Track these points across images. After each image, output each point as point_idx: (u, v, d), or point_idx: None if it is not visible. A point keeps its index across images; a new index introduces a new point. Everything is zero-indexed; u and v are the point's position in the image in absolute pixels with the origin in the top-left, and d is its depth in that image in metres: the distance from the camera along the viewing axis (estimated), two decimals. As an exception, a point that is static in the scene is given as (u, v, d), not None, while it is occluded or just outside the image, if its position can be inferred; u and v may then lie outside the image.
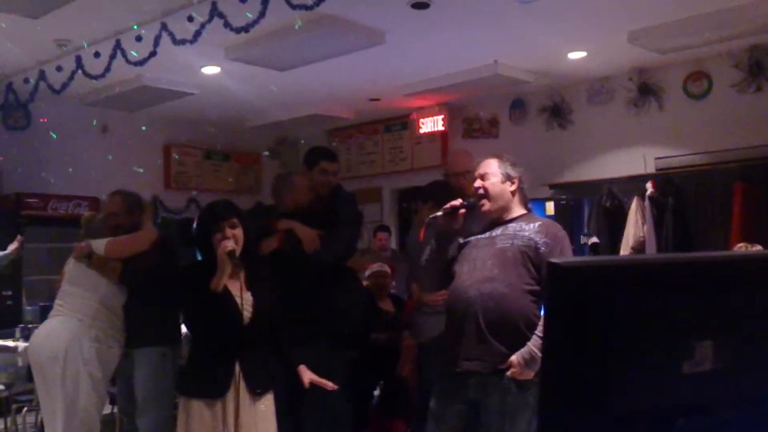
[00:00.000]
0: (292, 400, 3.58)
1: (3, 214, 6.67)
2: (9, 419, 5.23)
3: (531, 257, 2.79)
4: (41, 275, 7.03)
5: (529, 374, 2.69)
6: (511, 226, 2.91)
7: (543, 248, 2.78)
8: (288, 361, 3.16)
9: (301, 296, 3.69)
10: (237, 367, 2.95)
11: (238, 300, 2.98)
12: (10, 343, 5.08)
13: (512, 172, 2.96)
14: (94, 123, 7.53)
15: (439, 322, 3.37)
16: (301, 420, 3.80)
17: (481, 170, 2.98)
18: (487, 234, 2.95)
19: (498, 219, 2.96)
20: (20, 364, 4.95)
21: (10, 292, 6.49)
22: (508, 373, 2.71)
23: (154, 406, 3.94)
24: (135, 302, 3.94)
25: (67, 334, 3.84)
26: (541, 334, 2.70)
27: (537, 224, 2.88)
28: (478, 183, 2.96)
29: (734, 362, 1.02)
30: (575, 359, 0.95)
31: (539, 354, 2.62)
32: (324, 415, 3.78)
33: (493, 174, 2.94)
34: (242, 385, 2.95)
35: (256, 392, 2.99)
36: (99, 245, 3.95)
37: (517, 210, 2.97)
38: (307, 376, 3.09)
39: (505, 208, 2.95)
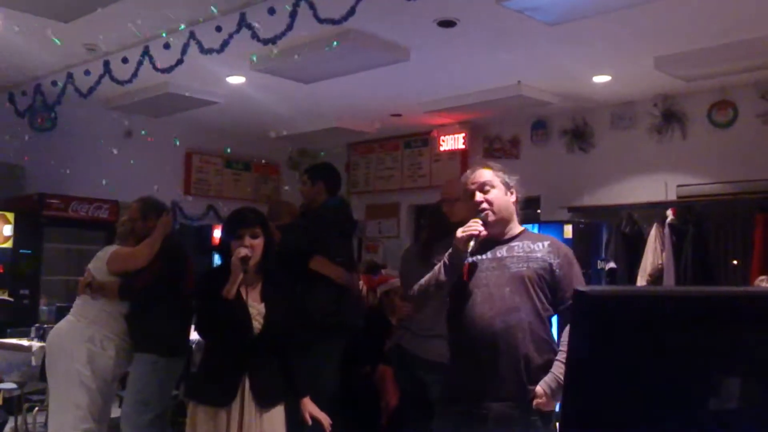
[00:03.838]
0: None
1: (25, 213, 6.74)
2: (19, 418, 5.25)
3: (547, 280, 2.64)
4: (59, 276, 7.11)
5: (554, 405, 2.52)
6: (516, 245, 2.69)
7: (558, 270, 2.64)
8: (294, 386, 3.15)
9: None
10: (246, 377, 2.94)
11: (251, 310, 2.99)
12: (24, 342, 5.12)
13: (510, 181, 2.75)
14: (120, 126, 7.62)
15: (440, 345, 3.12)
16: None
17: (477, 180, 2.72)
18: (491, 255, 2.70)
19: (498, 236, 2.72)
20: (33, 363, 4.98)
21: (27, 292, 6.54)
22: (534, 403, 2.52)
23: (136, 411, 4.00)
24: (135, 311, 4.09)
25: (63, 333, 4.06)
26: (563, 360, 2.53)
27: (546, 243, 2.70)
28: (479, 197, 2.69)
29: (761, 402, 1.00)
30: (599, 389, 0.93)
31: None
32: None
33: (492, 183, 2.71)
34: (250, 395, 2.93)
35: (263, 404, 2.96)
36: (103, 260, 4.13)
37: (516, 226, 2.77)
38: (308, 410, 3.10)
39: (507, 222, 2.73)
